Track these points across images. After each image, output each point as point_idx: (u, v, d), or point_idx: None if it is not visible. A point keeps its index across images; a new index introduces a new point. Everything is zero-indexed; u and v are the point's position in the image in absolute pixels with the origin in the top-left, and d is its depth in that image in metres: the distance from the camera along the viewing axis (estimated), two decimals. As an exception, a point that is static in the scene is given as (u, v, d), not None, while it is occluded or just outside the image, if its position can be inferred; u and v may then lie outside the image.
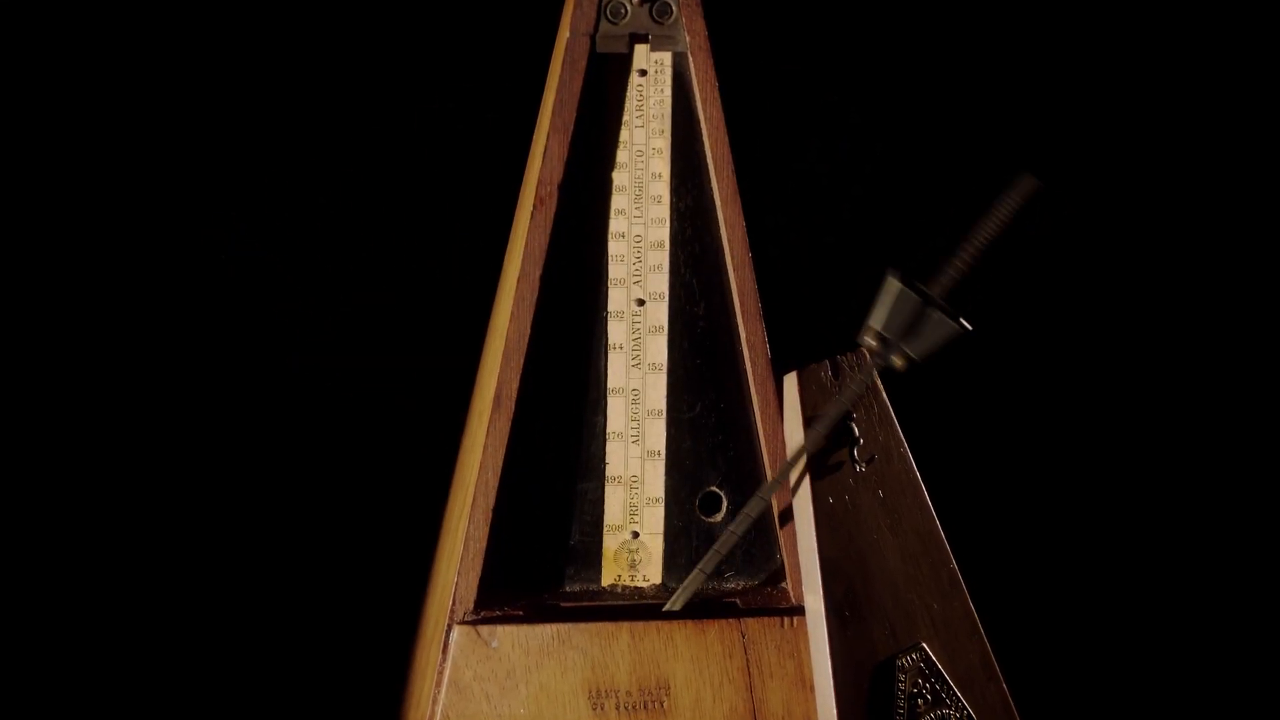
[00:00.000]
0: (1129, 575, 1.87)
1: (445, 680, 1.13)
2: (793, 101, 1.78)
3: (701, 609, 1.18)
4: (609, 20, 1.18)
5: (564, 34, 1.18)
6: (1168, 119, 1.84)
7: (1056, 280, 1.83)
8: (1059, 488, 1.86)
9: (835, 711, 1.12)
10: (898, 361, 1.12)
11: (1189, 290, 1.87)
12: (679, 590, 1.17)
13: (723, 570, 1.21)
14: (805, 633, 1.16)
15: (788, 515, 1.19)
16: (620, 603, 1.19)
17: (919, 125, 1.81)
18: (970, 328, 1.10)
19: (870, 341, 1.13)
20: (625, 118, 1.20)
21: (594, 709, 1.13)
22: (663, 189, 1.20)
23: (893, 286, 1.11)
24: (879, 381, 1.18)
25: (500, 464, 1.15)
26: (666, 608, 1.17)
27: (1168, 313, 1.87)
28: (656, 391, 1.21)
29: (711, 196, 1.20)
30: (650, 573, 1.21)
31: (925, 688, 1.15)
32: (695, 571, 1.17)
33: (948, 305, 1.10)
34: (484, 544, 1.15)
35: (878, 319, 1.12)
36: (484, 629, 1.13)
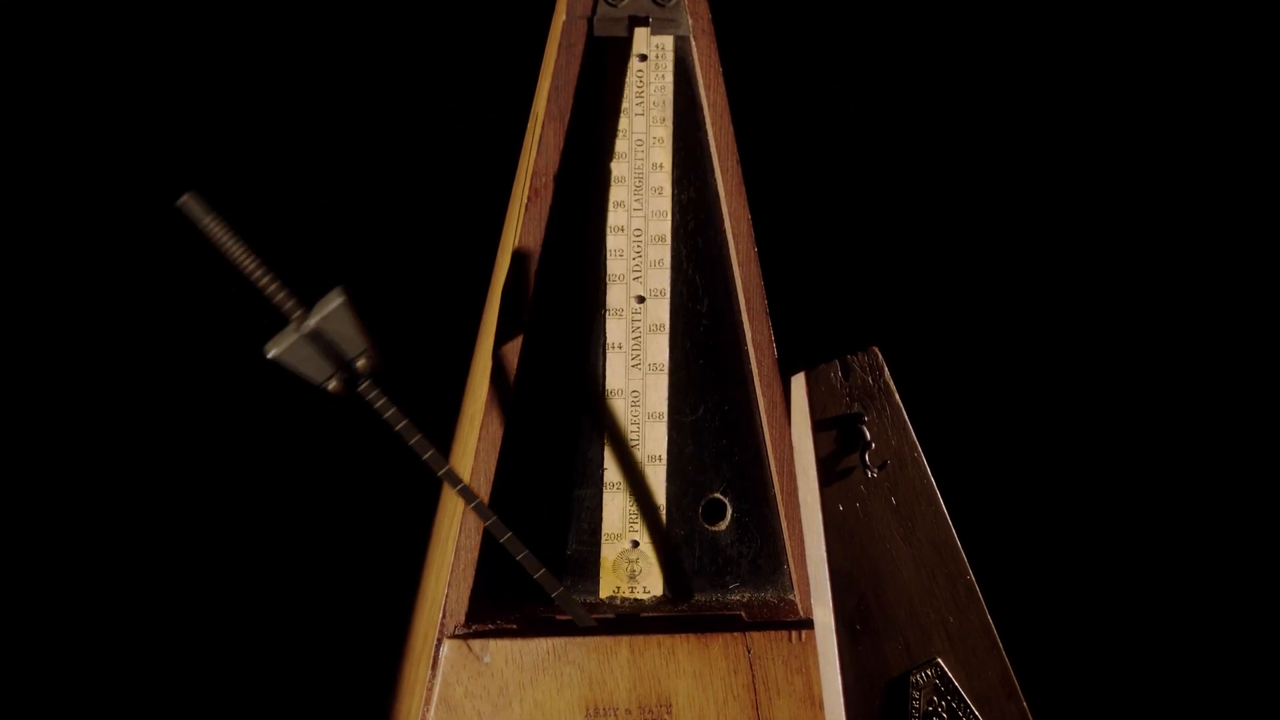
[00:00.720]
0: (1156, 588, 1.87)
1: (435, 698, 1.12)
2: (801, 87, 1.78)
3: (705, 622, 1.17)
4: (607, 2, 1.18)
5: (560, 17, 1.18)
6: (1178, 109, 1.85)
7: (1080, 275, 1.84)
8: (1082, 494, 1.86)
9: (846, 730, 1.11)
10: (364, 367, 1.07)
11: (1217, 294, 1.88)
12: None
13: (727, 580, 1.21)
14: (814, 647, 1.15)
15: (796, 524, 1.19)
16: (619, 615, 1.19)
17: (932, 113, 1.82)
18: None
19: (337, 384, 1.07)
20: (624, 105, 1.19)
21: (592, 728, 1.13)
22: (664, 180, 1.20)
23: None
24: (892, 383, 1.17)
25: (493, 470, 1.15)
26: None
27: (1199, 314, 1.87)
28: (657, 393, 1.20)
29: (715, 188, 1.20)
30: (651, 584, 1.20)
31: (941, 706, 1.14)
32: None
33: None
34: (476, 554, 1.14)
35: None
36: (476, 643, 1.13)
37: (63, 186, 1.67)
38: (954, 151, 1.81)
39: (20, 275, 1.67)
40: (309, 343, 1.03)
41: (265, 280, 1.03)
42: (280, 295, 1.03)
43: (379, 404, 1.08)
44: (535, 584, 1.15)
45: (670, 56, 1.19)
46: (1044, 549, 1.82)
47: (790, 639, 1.16)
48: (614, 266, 1.20)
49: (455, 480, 1.10)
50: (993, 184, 1.81)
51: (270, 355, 1.04)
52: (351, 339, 1.04)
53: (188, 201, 1.00)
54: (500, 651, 1.13)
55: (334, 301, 1.03)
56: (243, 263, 1.02)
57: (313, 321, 1.03)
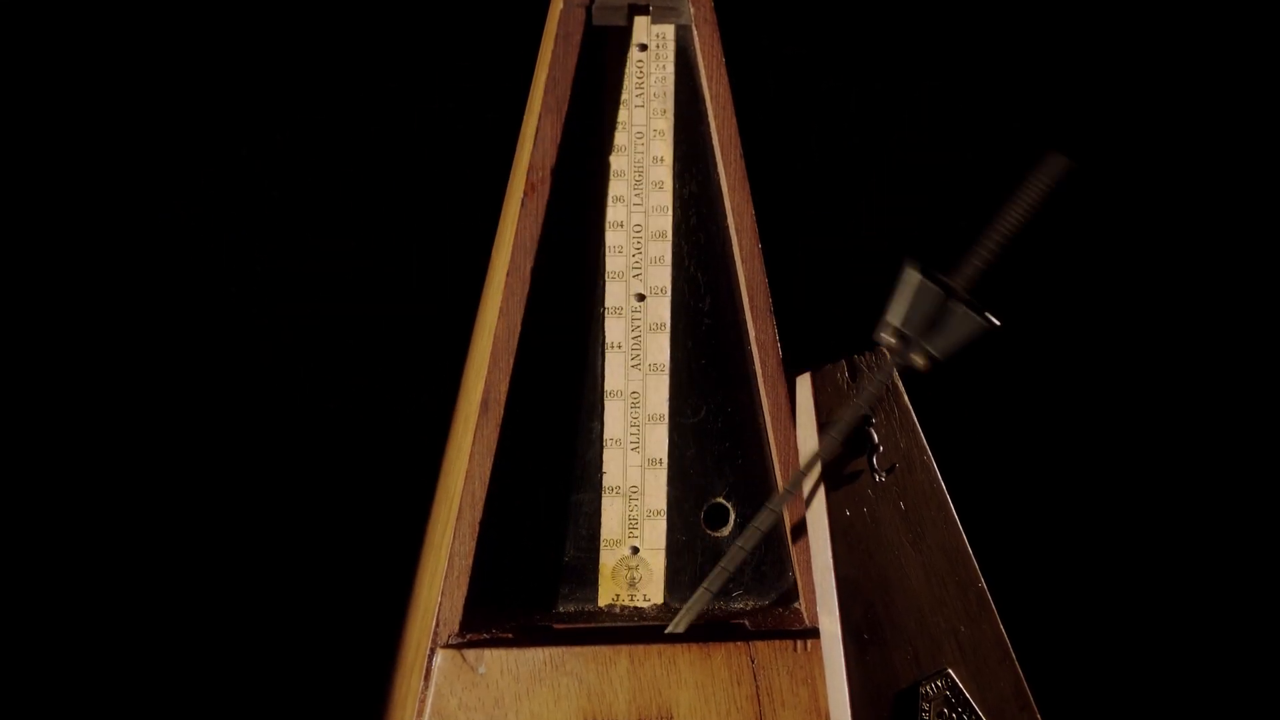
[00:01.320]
0: (1178, 597, 1.87)
1: (428, 710, 1.12)
2: (807, 78, 1.78)
3: (707, 631, 1.16)
4: (606, -10, 1.19)
5: (556, 5, 1.17)
6: (1186, 109, 1.85)
7: (1098, 272, 1.84)
8: (1099, 498, 1.86)
9: (853, 744, 1.13)
10: (919, 360, 1.11)
11: (1244, 291, 1.88)
12: (682, 611, 1.16)
13: (730, 589, 1.20)
14: (820, 657, 1.15)
15: (801, 530, 1.18)
16: (619, 624, 1.19)
17: (942, 105, 1.82)
18: (997, 323, 1.09)
19: (889, 339, 1.11)
20: (624, 97, 1.19)
21: (590, 740, 1.13)
22: (665, 174, 1.20)
23: (912, 279, 1.09)
24: (899, 383, 1.17)
25: (488, 473, 1.15)
26: (669, 629, 1.16)
27: (1224, 314, 1.87)
28: (658, 394, 1.20)
29: (718, 182, 1.19)
30: (651, 591, 1.20)
31: (951, 718, 1.14)
32: (700, 590, 1.16)
33: (972, 299, 1.09)
34: (470, 560, 1.14)
35: (896, 314, 1.10)
36: (470, 653, 1.12)
37: (51, 185, 1.68)
38: (965, 143, 1.81)
39: (7, 273, 1.68)
40: (938, 307, 1.07)
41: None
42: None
43: (875, 386, 1.11)
44: (531, 592, 1.16)
45: (671, 46, 1.19)
46: (1059, 555, 1.82)
47: (795, 649, 1.15)
48: (613, 263, 1.19)
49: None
50: (1007, 175, 1.80)
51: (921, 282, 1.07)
52: (950, 338, 1.08)
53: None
54: (495, 661, 1.12)
55: (974, 321, 1.08)
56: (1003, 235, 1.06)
57: (956, 299, 1.07)
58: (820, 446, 1.14)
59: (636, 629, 1.17)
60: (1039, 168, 1.06)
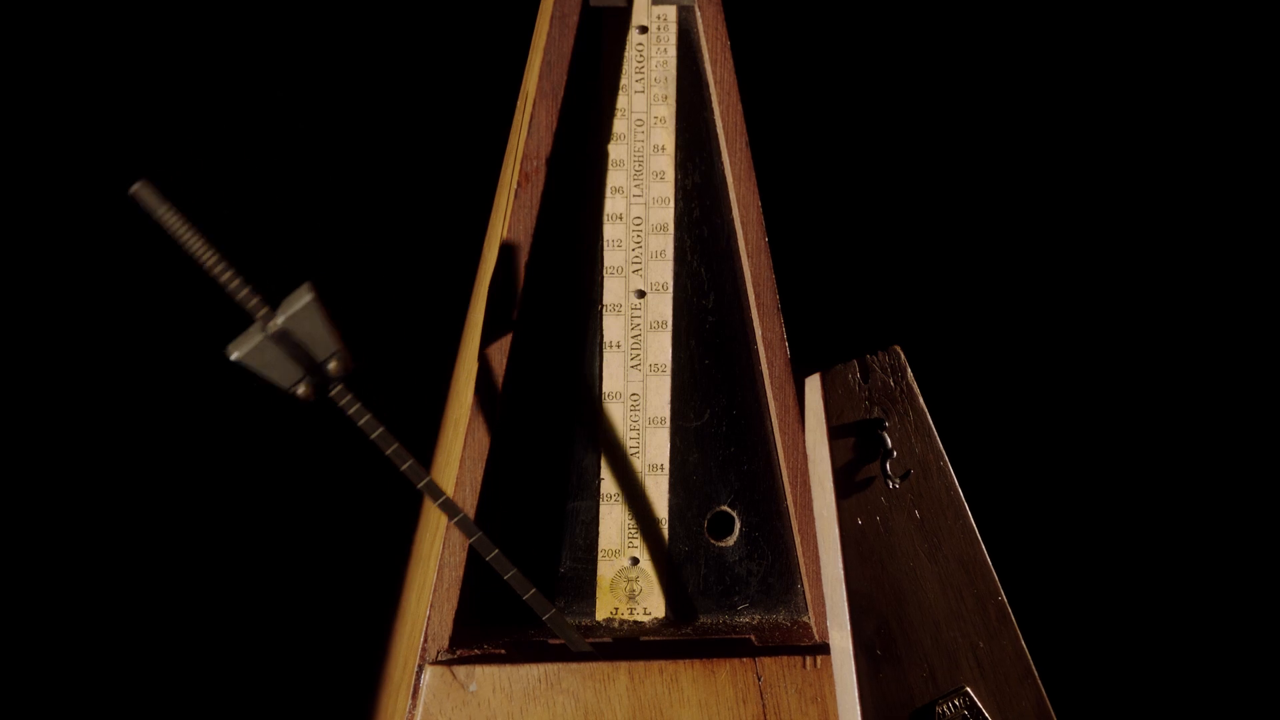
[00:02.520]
0: (1207, 612, 1.87)
1: None
2: (816, 62, 1.79)
3: (711, 647, 1.17)
4: (604, -31, 1.19)
5: None
6: (1201, 105, 1.86)
7: (1120, 272, 1.85)
8: (1125, 507, 1.86)
9: (866, 766, 1.11)
10: (335, 370, 1.06)
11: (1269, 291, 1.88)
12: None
13: (735, 601, 1.20)
14: (831, 675, 1.15)
15: (810, 539, 1.18)
16: (617, 639, 1.18)
17: (954, 94, 1.82)
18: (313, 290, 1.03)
19: (306, 389, 1.05)
20: (623, 82, 1.19)
21: (587, 763, 1.12)
22: (666, 164, 1.19)
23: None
24: (914, 384, 1.16)
25: (479, 480, 1.15)
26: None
27: (1259, 322, 1.88)
28: (659, 396, 1.19)
29: (722, 172, 1.19)
30: (651, 604, 1.20)
31: None
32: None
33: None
34: (460, 572, 1.14)
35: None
36: (460, 670, 1.12)
37: (32, 180, 1.70)
38: (979, 134, 1.82)
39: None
40: (275, 344, 1.02)
41: (226, 275, 1.01)
42: (243, 292, 1.02)
43: (352, 410, 1.06)
44: (525, 605, 1.14)
45: (673, 28, 1.19)
46: (1083, 566, 1.82)
47: (804, 665, 1.15)
48: (611, 258, 1.19)
49: (437, 493, 1.09)
50: (1024, 167, 1.82)
51: (233, 358, 1.02)
52: (321, 340, 1.03)
53: (140, 190, 0.99)
54: (487, 679, 1.12)
55: (302, 299, 1.02)
56: (201, 255, 1.01)
57: (279, 320, 1.02)
58: None
59: (636, 644, 1.17)
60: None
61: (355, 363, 1.05)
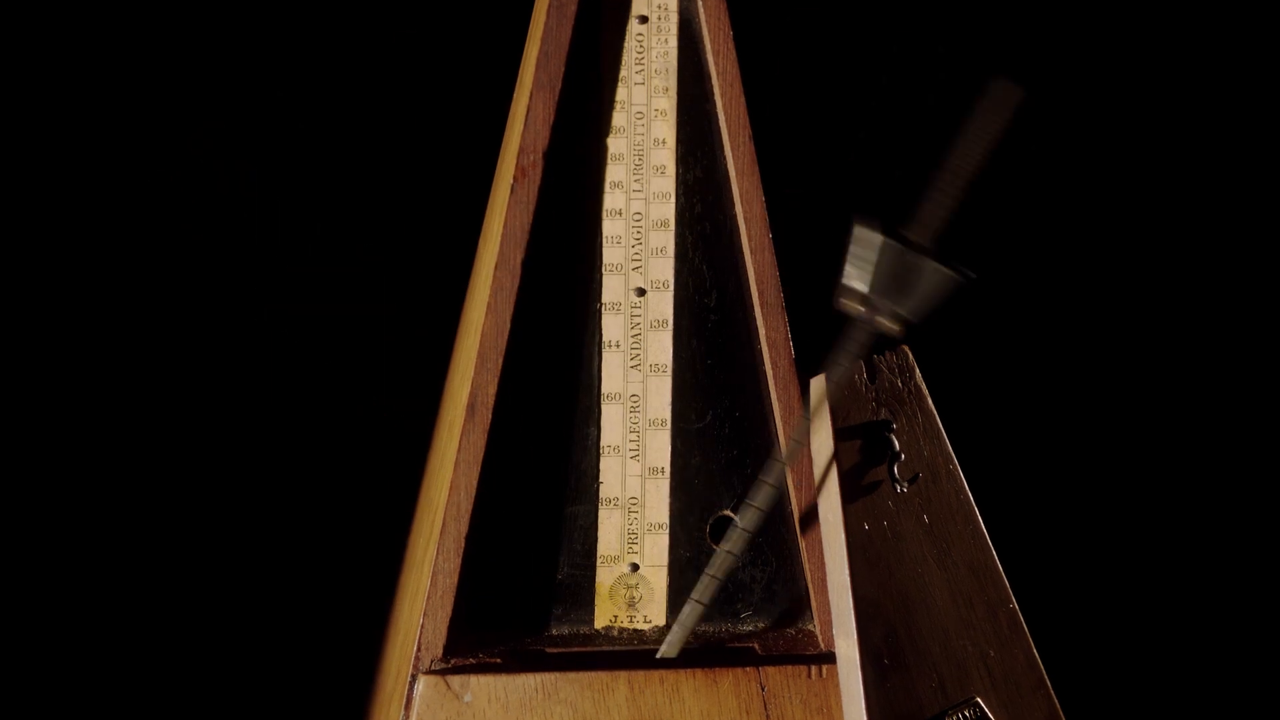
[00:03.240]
0: (1226, 620, 1.86)
1: None
2: (820, 54, 1.79)
3: (713, 655, 1.17)
4: (603, -43, 1.19)
5: None
6: (1212, 105, 1.86)
7: (1140, 271, 1.85)
8: (1141, 511, 1.86)
9: (873, 779, 1.11)
10: (891, 325, 1.10)
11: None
12: (672, 630, 1.15)
13: (738, 609, 1.20)
14: (836, 684, 1.14)
15: (816, 544, 1.18)
16: (616, 648, 1.18)
17: (966, 83, 1.80)
18: (972, 275, 1.08)
19: (854, 305, 1.10)
20: (623, 73, 1.19)
21: (585, 775, 1.13)
22: (667, 158, 1.19)
23: (870, 237, 1.09)
24: (922, 385, 1.17)
25: (475, 484, 1.14)
26: (661, 653, 1.15)
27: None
28: (660, 397, 1.19)
29: (725, 167, 1.19)
30: (652, 612, 1.20)
31: None
32: (689, 605, 1.15)
33: (937, 251, 1.09)
34: (455, 578, 1.14)
35: (858, 277, 1.09)
36: (455, 679, 1.12)
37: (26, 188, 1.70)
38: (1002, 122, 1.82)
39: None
40: (906, 268, 1.06)
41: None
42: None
43: (854, 347, 1.10)
44: (521, 613, 1.15)
45: (674, 18, 1.18)
46: (1098, 573, 1.82)
47: (810, 675, 1.14)
48: (611, 255, 1.19)
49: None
50: (1040, 158, 1.82)
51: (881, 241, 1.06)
52: (921, 300, 1.07)
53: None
54: (483, 689, 1.12)
55: (944, 275, 1.06)
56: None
57: (927, 261, 1.06)
58: (799, 431, 1.13)
59: (636, 653, 1.17)
60: (988, 99, 1.04)
61: (905, 333, 1.08)
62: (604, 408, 1.18)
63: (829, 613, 1.16)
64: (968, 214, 1.66)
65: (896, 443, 1.15)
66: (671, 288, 1.19)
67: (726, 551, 1.13)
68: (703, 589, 1.14)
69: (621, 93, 1.18)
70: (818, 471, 1.16)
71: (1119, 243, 1.83)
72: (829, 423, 1.15)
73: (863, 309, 1.09)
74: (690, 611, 1.14)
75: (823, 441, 1.16)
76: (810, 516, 1.17)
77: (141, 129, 1.71)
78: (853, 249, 1.09)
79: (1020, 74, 1.78)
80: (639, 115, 1.18)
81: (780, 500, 1.18)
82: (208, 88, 1.72)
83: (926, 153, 1.80)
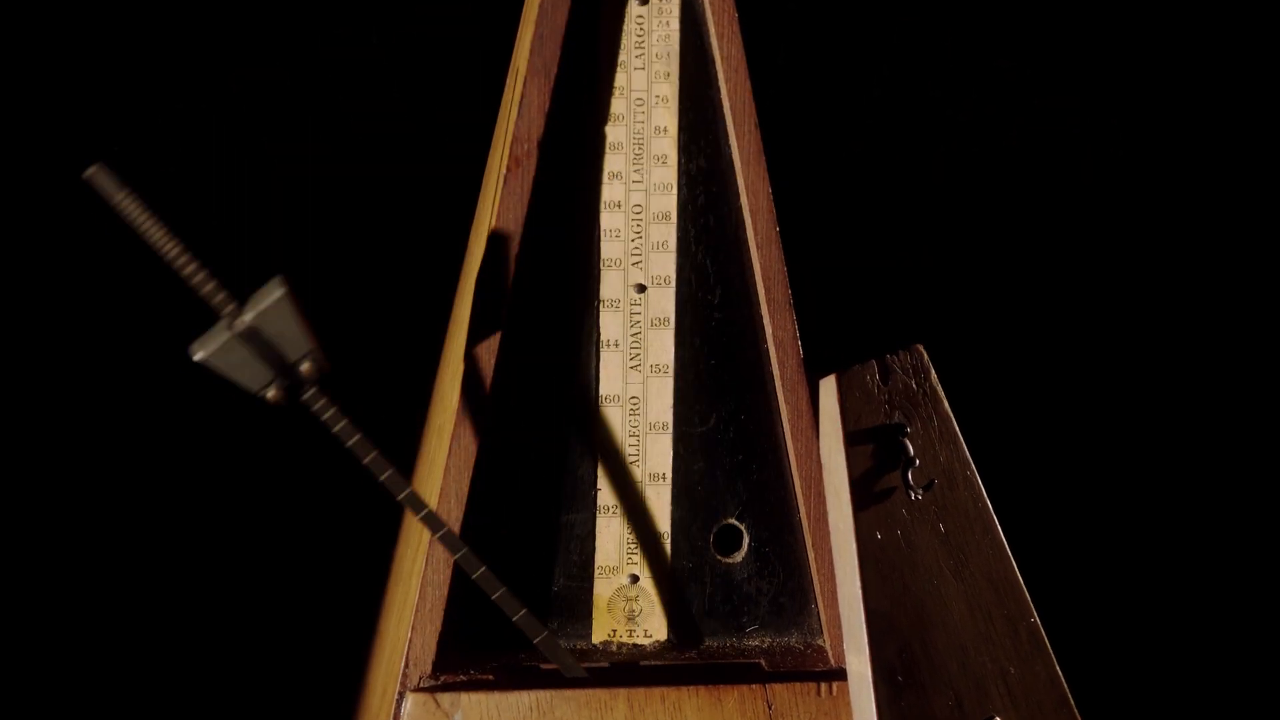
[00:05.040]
0: (1263, 637, 1.87)
1: None
2: (829, 39, 1.79)
3: (718, 672, 1.17)
4: (601, -65, 1.19)
5: None
6: (1215, 106, 1.87)
7: (1159, 273, 1.86)
8: (1168, 519, 1.87)
9: (886, 802, 1.10)
10: (309, 370, 1.05)
11: None
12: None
13: (744, 622, 1.20)
14: (847, 703, 1.15)
15: (825, 555, 1.18)
16: (615, 664, 1.19)
17: (982, 70, 1.84)
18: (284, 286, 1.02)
19: (276, 393, 1.04)
20: (622, 58, 1.19)
21: (583, 798, 1.13)
22: (669, 147, 1.19)
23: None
24: (938, 387, 1.16)
25: (465, 491, 1.15)
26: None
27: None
28: (661, 400, 1.19)
29: (729, 156, 1.19)
30: (652, 626, 1.20)
31: None
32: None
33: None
34: (445, 591, 1.14)
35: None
36: (444, 697, 1.12)
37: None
38: (1010, 110, 1.83)
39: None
40: (243, 343, 1.01)
41: (190, 269, 1.00)
42: (208, 286, 1.01)
43: (327, 415, 1.05)
44: (514, 628, 1.14)
45: (676, 0, 1.18)
46: (1123, 587, 1.83)
47: (819, 692, 1.15)
48: (610, 250, 1.19)
49: (419, 505, 1.08)
50: (1056, 150, 1.83)
51: (197, 358, 1.01)
52: (294, 339, 1.02)
53: (96, 174, 0.98)
54: (474, 707, 1.12)
55: (273, 294, 1.01)
56: (161, 245, 1.00)
57: (248, 318, 1.01)
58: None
59: (636, 669, 1.17)
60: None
61: (330, 364, 1.04)
62: (602, 410, 1.19)
63: (839, 627, 1.15)
64: (991, 214, 1.68)
65: (911, 447, 1.14)
66: (673, 284, 1.19)
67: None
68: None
69: (621, 78, 1.18)
70: (828, 478, 1.15)
71: (1152, 238, 1.83)
72: (840, 427, 1.14)
73: (279, 390, 1.04)
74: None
75: (833, 446, 1.15)
76: (819, 525, 1.17)
77: (135, 120, 1.72)
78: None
79: (1036, 68, 1.80)
80: (639, 102, 1.18)
81: (788, 508, 1.19)
82: (197, 75, 1.73)
83: (931, 143, 1.82)
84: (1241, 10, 1.84)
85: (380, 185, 1.76)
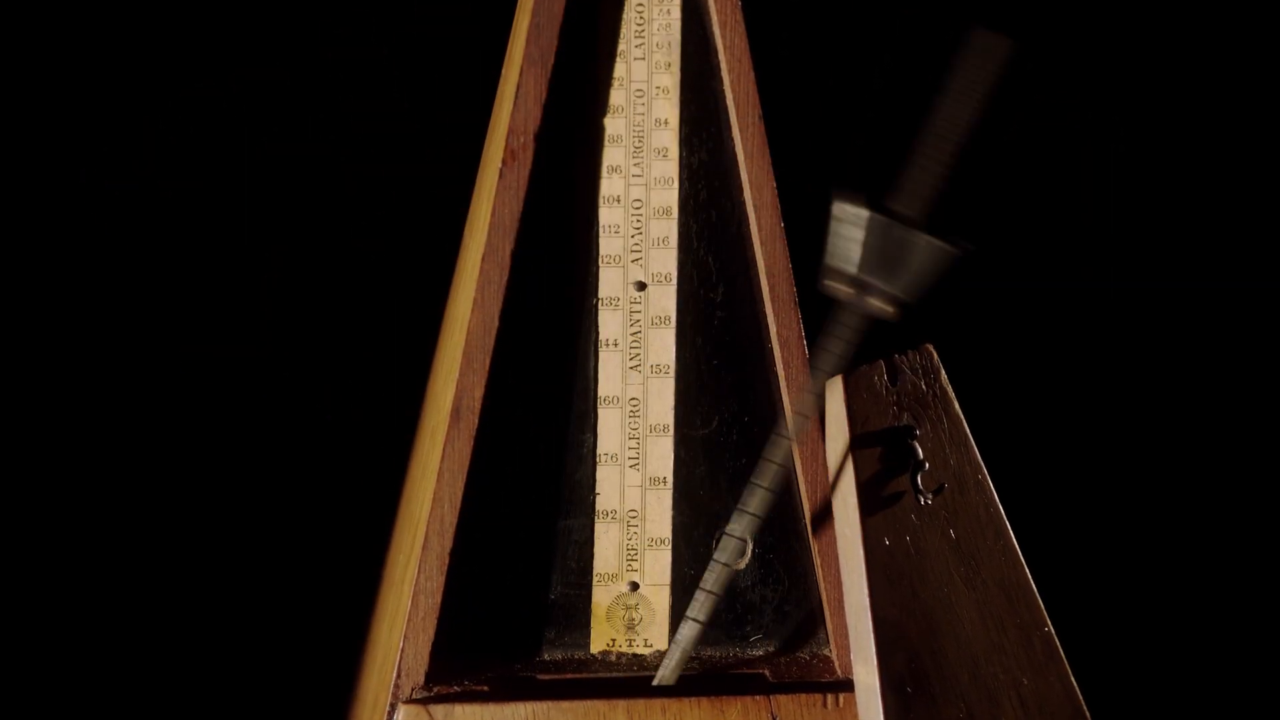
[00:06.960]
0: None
1: None
2: (836, 28, 1.80)
3: (719, 682, 1.17)
4: (599, -79, 1.19)
5: None
6: (1219, 107, 1.87)
7: (1176, 268, 1.86)
8: (1186, 527, 1.86)
9: (895, 818, 1.11)
10: (883, 307, 1.10)
11: None
12: (668, 653, 1.15)
13: (747, 631, 1.20)
14: (855, 714, 1.14)
15: (832, 561, 1.18)
16: (614, 675, 1.19)
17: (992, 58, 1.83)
18: (970, 246, 1.08)
19: (842, 288, 1.10)
20: (621, 48, 1.19)
21: (581, 814, 1.14)
22: (670, 140, 1.19)
23: (853, 213, 1.09)
24: (948, 388, 1.17)
25: (460, 496, 1.15)
26: (658, 680, 1.15)
27: None
28: (662, 401, 1.20)
29: (733, 150, 1.19)
30: (653, 635, 1.20)
31: None
32: (685, 624, 1.15)
33: (926, 223, 1.09)
34: (438, 599, 1.14)
35: (844, 257, 1.09)
36: (438, 709, 1.12)
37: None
38: (1021, 100, 1.84)
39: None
40: (892, 237, 1.06)
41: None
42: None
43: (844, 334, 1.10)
44: (511, 636, 1.16)
45: None
46: (1140, 596, 1.83)
47: (825, 704, 1.15)
48: (608, 246, 1.19)
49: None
50: (1072, 143, 1.83)
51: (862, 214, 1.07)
52: (913, 279, 1.07)
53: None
54: (468, 719, 1.12)
55: (950, 249, 1.07)
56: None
57: (918, 233, 1.06)
58: (806, 403, 1.13)
59: (636, 680, 1.17)
60: (972, 53, 1.03)
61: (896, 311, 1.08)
62: (601, 412, 1.19)
63: (846, 636, 1.16)
64: (1007, 211, 1.67)
65: (920, 450, 1.15)
66: (674, 281, 1.19)
67: (723, 564, 1.13)
68: (699, 606, 1.14)
69: (620, 68, 1.18)
70: (834, 482, 1.15)
71: (1168, 233, 1.84)
72: (845, 429, 1.14)
73: (852, 291, 1.09)
74: (688, 632, 1.14)
75: (839, 449, 1.15)
76: (825, 530, 1.17)
77: (130, 116, 1.73)
78: (836, 226, 1.09)
79: (1039, 62, 1.80)
80: (639, 93, 1.18)
81: (793, 514, 1.19)
82: (189, 70, 1.73)
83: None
84: (1241, 10, 1.84)
85: (380, 185, 1.76)
